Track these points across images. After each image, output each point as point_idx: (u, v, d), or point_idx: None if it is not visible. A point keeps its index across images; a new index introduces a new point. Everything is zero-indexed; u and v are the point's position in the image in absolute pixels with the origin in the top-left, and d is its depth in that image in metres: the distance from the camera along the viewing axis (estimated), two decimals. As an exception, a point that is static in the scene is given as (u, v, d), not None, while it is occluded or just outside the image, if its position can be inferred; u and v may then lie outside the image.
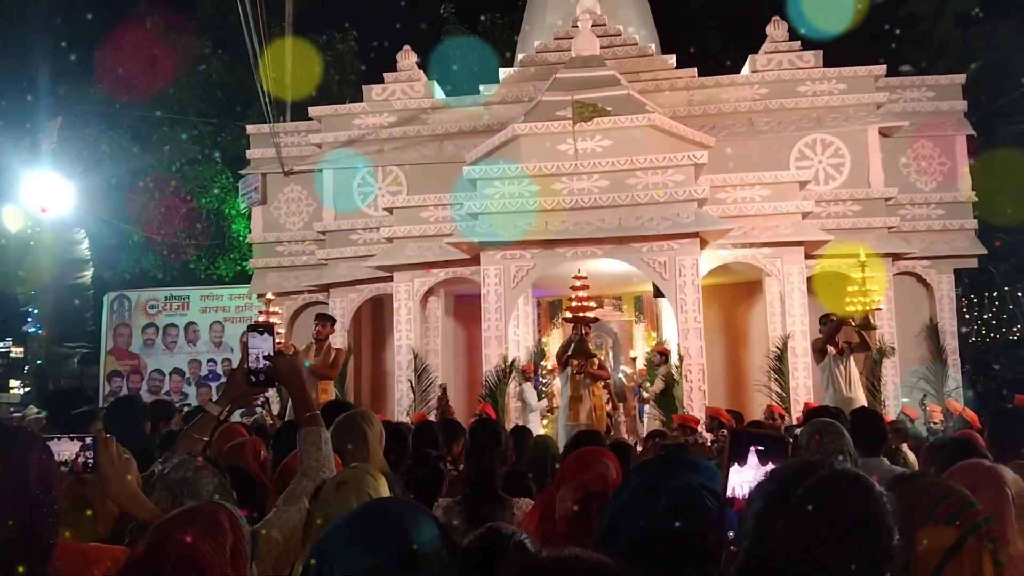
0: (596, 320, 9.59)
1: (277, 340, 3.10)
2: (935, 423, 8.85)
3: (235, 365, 2.84)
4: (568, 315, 9.76)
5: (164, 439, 4.18)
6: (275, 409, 9.64)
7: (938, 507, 1.52)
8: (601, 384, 9.64)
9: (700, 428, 8.61)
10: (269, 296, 11.25)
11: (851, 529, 1.06)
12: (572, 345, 9.34)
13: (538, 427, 10.48)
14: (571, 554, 0.97)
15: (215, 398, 2.90)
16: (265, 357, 2.64)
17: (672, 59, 12.91)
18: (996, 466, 2.12)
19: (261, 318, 10.94)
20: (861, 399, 9.00)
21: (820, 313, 10.41)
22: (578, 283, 9.71)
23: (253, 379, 2.65)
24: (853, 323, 9.15)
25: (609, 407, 10.14)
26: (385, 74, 13.23)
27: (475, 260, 10.99)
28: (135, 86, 20.01)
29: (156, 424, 4.87)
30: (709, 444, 7.52)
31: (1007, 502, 1.87)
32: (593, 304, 9.84)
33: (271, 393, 8.02)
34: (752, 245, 10.99)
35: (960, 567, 1.46)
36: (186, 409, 7.28)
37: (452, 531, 2.53)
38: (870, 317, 9.25)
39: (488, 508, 3.43)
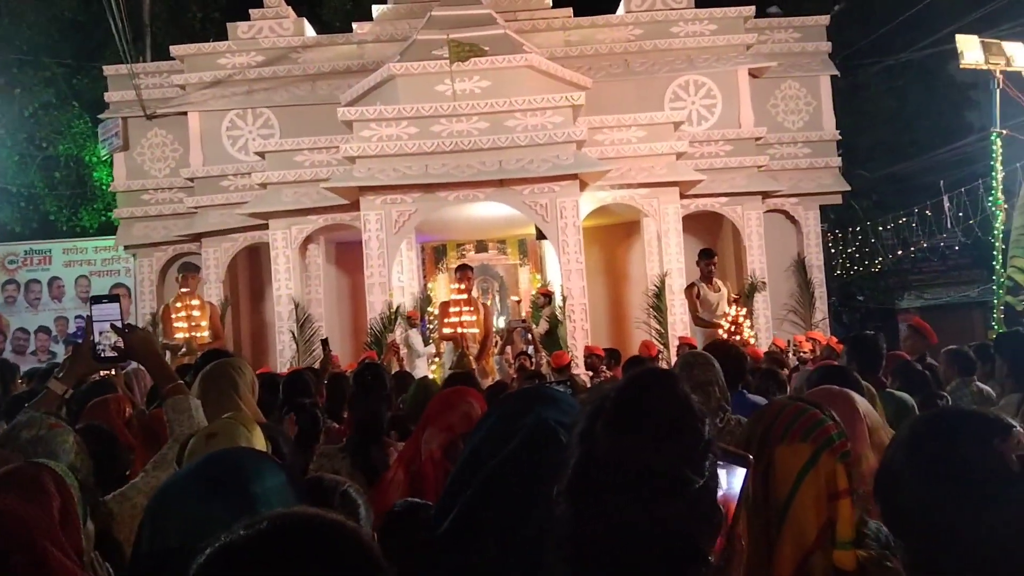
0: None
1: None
2: (804, 353, 9.29)
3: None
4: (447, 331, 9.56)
5: (10, 404, 3.93)
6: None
7: (793, 425, 1.56)
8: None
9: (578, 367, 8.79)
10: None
11: (662, 424, 1.06)
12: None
13: (425, 372, 10.47)
14: (321, 518, 0.94)
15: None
16: (114, 329, 2.51)
17: (548, -2, 12.82)
18: (845, 390, 2.21)
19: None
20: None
21: (694, 251, 10.72)
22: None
23: (101, 354, 2.52)
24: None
25: (529, 350, 10.12)
26: (251, 11, 12.60)
27: (355, 206, 10.74)
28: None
29: (6, 386, 4.57)
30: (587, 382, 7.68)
31: (860, 419, 1.95)
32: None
33: None
34: (629, 186, 11.14)
35: (816, 481, 1.51)
36: (43, 368, 6.88)
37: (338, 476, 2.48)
38: None
39: (374, 453, 3.40)
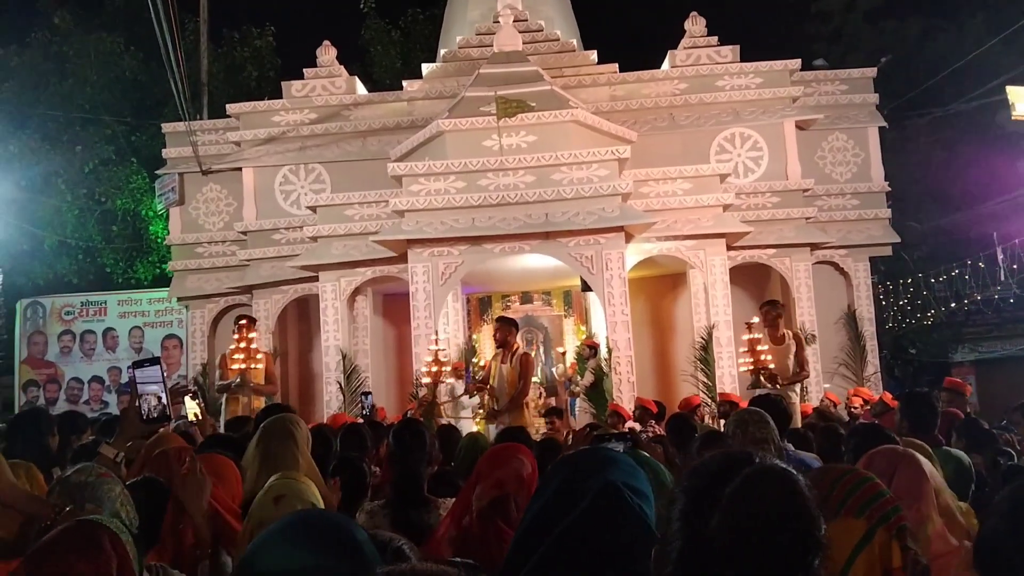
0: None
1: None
2: (855, 407, 9.11)
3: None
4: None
5: (77, 453, 4.01)
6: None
7: (849, 498, 1.53)
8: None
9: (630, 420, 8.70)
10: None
11: (781, 525, 1.07)
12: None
13: (470, 424, 10.45)
14: (429, 569, 0.98)
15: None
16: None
17: (594, 55, 12.98)
18: (910, 450, 2.18)
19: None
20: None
21: (742, 303, 10.59)
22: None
23: (146, 416, 2.59)
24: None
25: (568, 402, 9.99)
26: (305, 70, 12.97)
27: (402, 258, 10.88)
28: (44, 85, 19.25)
29: (67, 437, 4.67)
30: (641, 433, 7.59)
31: (927, 481, 1.92)
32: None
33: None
34: (675, 238, 11.13)
35: (870, 558, 1.48)
36: (103, 419, 7.03)
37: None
38: None
39: (414, 511, 3.40)
